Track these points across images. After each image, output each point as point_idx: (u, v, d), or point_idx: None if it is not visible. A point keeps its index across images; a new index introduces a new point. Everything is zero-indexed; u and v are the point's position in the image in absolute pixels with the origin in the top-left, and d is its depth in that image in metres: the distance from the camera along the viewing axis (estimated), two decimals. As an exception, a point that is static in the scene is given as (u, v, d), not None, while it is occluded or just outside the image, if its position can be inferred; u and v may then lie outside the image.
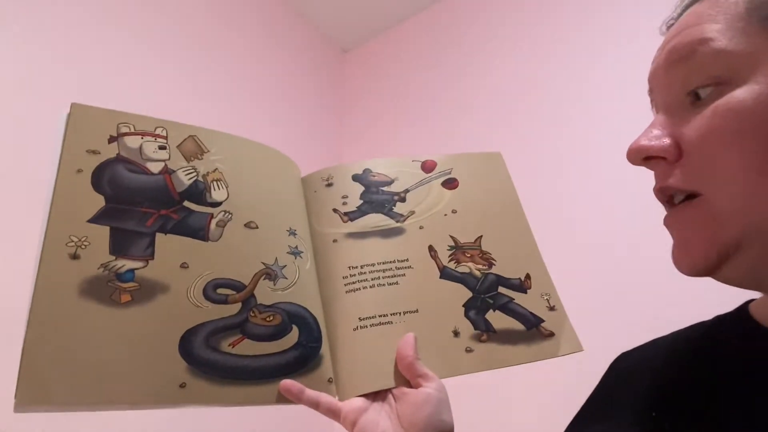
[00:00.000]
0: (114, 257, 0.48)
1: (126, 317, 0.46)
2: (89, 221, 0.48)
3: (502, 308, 0.58)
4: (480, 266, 0.60)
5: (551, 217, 1.25)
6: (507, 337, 0.56)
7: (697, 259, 0.39)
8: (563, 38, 1.50)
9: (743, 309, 0.46)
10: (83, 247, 0.47)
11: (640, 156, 0.41)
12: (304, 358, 0.52)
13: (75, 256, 0.47)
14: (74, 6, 1.27)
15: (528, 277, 0.60)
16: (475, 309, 0.58)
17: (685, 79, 0.40)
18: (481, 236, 0.62)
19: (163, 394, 0.45)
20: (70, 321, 0.44)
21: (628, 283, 1.15)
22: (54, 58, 1.19)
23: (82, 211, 0.48)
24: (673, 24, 0.45)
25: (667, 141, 0.40)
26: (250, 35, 1.73)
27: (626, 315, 1.12)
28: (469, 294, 0.59)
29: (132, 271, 0.48)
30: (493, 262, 0.61)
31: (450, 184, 0.65)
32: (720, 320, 0.48)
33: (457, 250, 0.61)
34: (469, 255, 0.61)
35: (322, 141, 1.87)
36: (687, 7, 0.44)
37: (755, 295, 0.45)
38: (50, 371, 0.43)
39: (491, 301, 0.58)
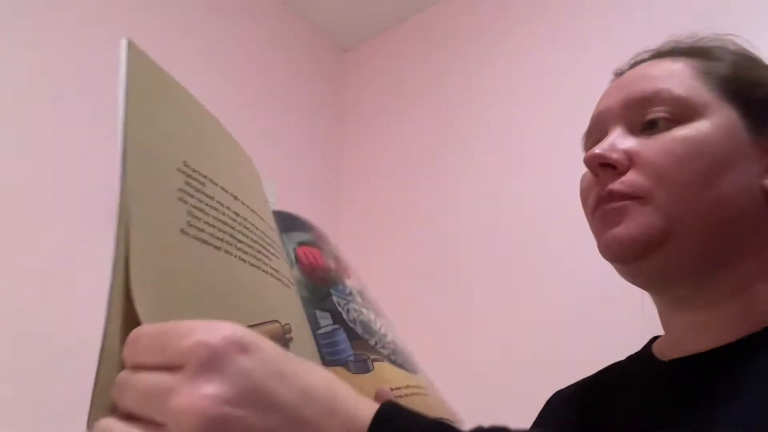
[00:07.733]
0: None
1: None
2: None
3: None
4: None
5: (546, 220, 1.28)
6: None
7: (639, 237, 0.46)
8: (564, 35, 1.49)
9: (647, 346, 0.56)
10: None
11: (598, 161, 0.49)
12: None
13: None
14: (71, 9, 1.29)
15: None
16: None
17: (643, 111, 0.50)
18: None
19: None
20: None
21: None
22: (54, 64, 1.23)
23: None
24: (622, 73, 0.57)
25: (622, 154, 0.49)
26: (249, 35, 1.74)
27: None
28: None
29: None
30: None
31: None
32: (629, 359, 0.56)
33: None
34: None
35: (322, 141, 1.91)
36: (637, 63, 0.56)
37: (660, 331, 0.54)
38: None
39: None
